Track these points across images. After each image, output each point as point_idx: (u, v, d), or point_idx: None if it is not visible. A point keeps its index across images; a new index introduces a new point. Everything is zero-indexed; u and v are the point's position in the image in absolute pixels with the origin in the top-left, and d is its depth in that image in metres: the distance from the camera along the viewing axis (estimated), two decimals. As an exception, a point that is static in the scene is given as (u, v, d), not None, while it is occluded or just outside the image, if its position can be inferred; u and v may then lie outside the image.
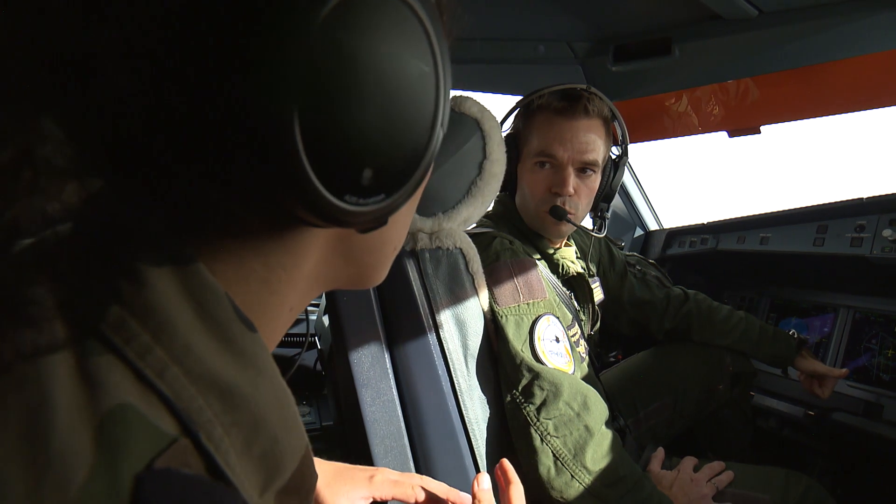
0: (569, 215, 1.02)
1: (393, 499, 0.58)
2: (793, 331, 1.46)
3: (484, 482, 0.55)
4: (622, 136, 1.09)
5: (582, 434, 0.86)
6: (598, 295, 1.23)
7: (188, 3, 0.21)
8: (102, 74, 0.22)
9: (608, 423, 0.91)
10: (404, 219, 0.36)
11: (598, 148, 1.02)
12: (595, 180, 1.05)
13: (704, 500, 0.93)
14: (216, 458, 0.23)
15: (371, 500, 0.59)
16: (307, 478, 0.29)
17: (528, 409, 0.87)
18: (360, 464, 0.61)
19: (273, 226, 0.28)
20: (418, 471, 0.85)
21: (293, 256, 0.29)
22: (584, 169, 1.03)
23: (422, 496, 0.57)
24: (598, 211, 1.13)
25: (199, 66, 0.21)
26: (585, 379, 1.01)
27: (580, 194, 1.03)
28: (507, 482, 0.56)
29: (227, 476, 0.23)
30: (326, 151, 0.23)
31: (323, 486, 0.58)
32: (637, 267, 1.42)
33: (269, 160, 0.22)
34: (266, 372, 0.27)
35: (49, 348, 0.21)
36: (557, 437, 0.85)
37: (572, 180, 1.01)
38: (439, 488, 0.57)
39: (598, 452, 0.86)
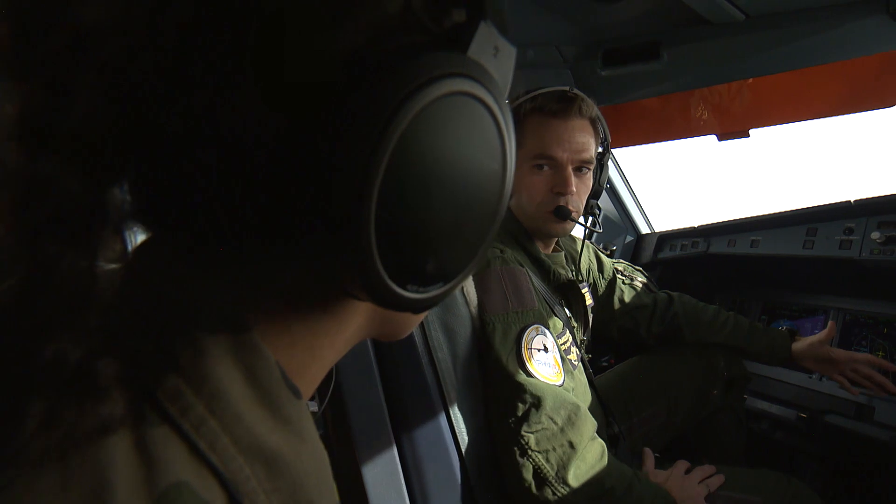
0: (572, 214, 1.03)
1: None
2: (783, 326, 1.46)
3: None
4: (604, 134, 1.11)
5: (566, 451, 0.84)
6: (588, 301, 1.22)
7: (285, 86, 0.22)
8: (199, 139, 0.23)
9: (597, 434, 0.90)
10: None
11: (591, 147, 1.05)
12: (590, 178, 1.08)
13: (697, 497, 0.93)
14: None
15: None
16: None
17: (510, 421, 0.85)
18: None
19: (328, 299, 0.29)
20: (407, 479, 0.84)
21: (339, 324, 0.30)
22: (580, 168, 1.05)
23: None
24: (590, 209, 1.14)
25: (290, 148, 0.23)
26: (579, 386, 1.00)
27: (579, 193, 1.05)
28: None
29: None
30: (396, 245, 0.24)
31: None
32: (624, 273, 1.42)
33: (342, 248, 0.23)
34: (308, 438, 0.28)
35: (110, 421, 0.21)
36: (539, 453, 0.83)
37: (573, 179, 1.02)
38: None
39: (582, 468, 0.84)
